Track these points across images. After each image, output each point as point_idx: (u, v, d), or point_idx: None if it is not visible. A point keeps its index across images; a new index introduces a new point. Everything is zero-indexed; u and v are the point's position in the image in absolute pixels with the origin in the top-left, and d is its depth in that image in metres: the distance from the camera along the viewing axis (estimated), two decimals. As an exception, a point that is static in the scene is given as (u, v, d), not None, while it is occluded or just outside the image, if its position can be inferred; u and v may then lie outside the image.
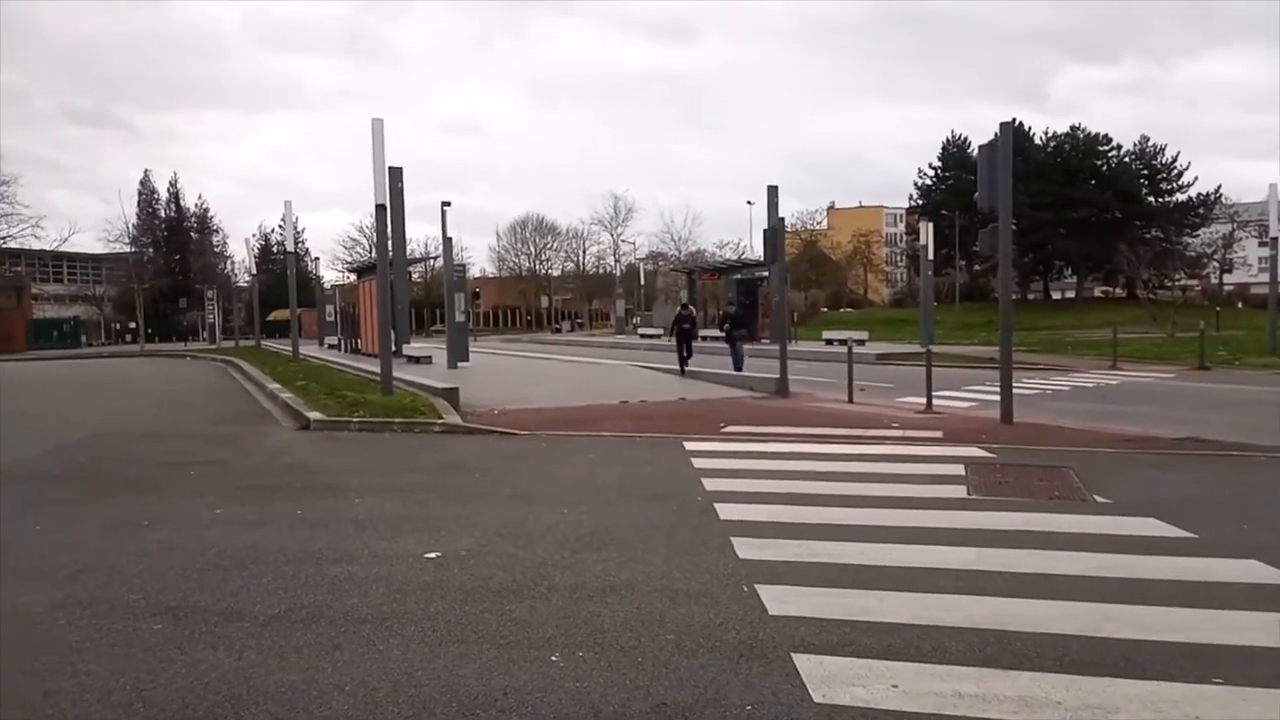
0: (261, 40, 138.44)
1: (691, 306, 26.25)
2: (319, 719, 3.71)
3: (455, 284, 28.01)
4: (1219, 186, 61.97)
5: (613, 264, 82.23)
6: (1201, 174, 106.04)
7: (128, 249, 65.57)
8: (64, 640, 4.67)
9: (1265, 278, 33.00)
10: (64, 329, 62.35)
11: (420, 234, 79.03)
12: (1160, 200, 62.67)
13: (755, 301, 37.18)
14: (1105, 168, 62.15)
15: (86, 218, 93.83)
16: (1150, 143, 62.58)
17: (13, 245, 57.52)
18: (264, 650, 4.47)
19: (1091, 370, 22.95)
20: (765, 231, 17.71)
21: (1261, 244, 70.94)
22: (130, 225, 66.16)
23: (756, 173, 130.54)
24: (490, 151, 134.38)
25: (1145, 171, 62.44)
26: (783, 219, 18.06)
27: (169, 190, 77.14)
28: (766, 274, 33.04)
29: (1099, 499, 7.63)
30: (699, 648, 4.39)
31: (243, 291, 64.75)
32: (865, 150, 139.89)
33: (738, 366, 21.00)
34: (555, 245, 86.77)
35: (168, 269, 72.58)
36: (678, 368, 21.47)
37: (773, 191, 17.52)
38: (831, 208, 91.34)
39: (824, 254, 77.34)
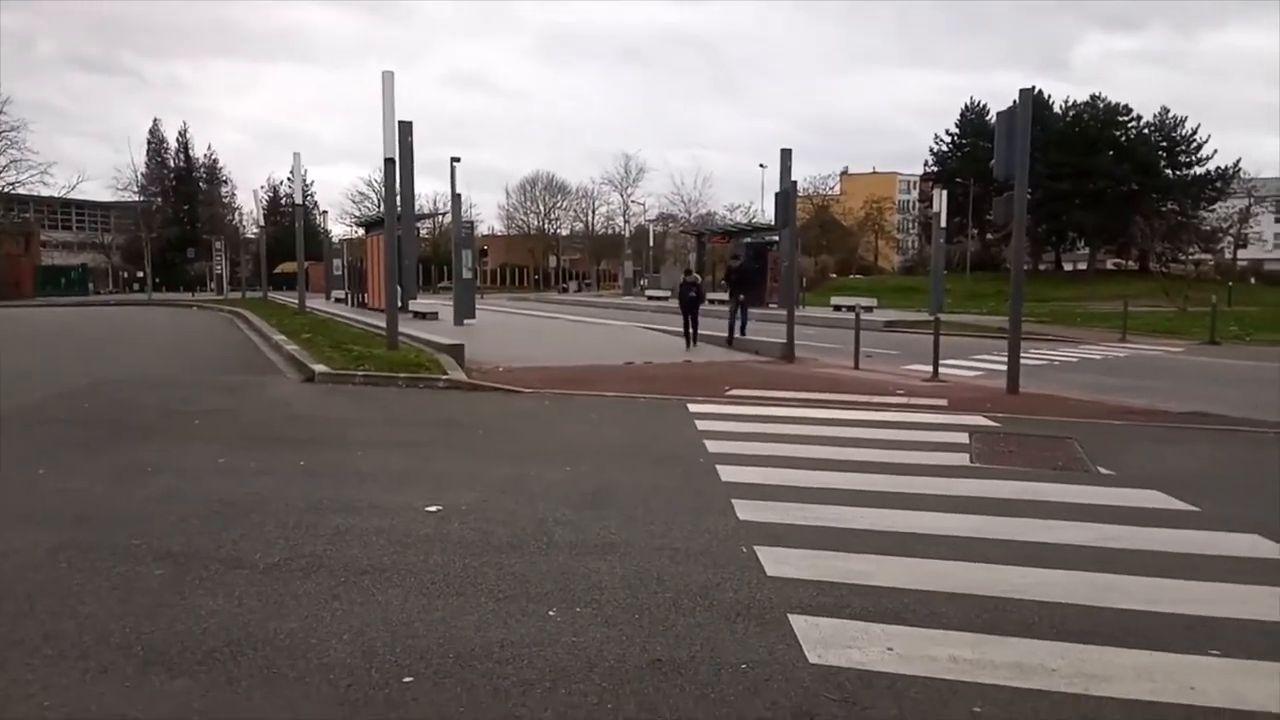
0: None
1: (697, 274, 22.82)
2: (316, 666, 3.73)
3: (463, 241, 27.93)
4: (1238, 160, 61.22)
5: (622, 225, 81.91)
6: (1222, 147, 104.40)
7: (136, 198, 65.47)
8: (65, 583, 4.69)
9: (1280, 254, 32.67)
10: (71, 276, 62.46)
11: (429, 190, 79.00)
12: (1178, 173, 61.87)
13: (765, 266, 36.97)
14: (1124, 139, 61.33)
15: (96, 166, 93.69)
16: (1170, 114, 61.71)
17: (21, 191, 57.47)
18: (263, 597, 4.50)
19: (1100, 342, 22.85)
20: (777, 195, 17.53)
21: (1278, 220, 70.37)
22: (139, 174, 66.04)
23: (770, 136, 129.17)
24: (501, 108, 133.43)
25: (1164, 143, 61.59)
26: (795, 183, 17.85)
27: (178, 140, 77.07)
28: (776, 238, 32.86)
29: (1102, 470, 7.61)
30: (696, 606, 4.40)
31: (250, 243, 64.77)
32: (881, 116, 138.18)
33: (739, 331, 18.84)
34: (564, 204, 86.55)
35: (176, 218, 72.49)
36: (683, 340, 18.96)
37: (786, 155, 17.32)
38: (845, 173, 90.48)
39: (835, 220, 76.83)
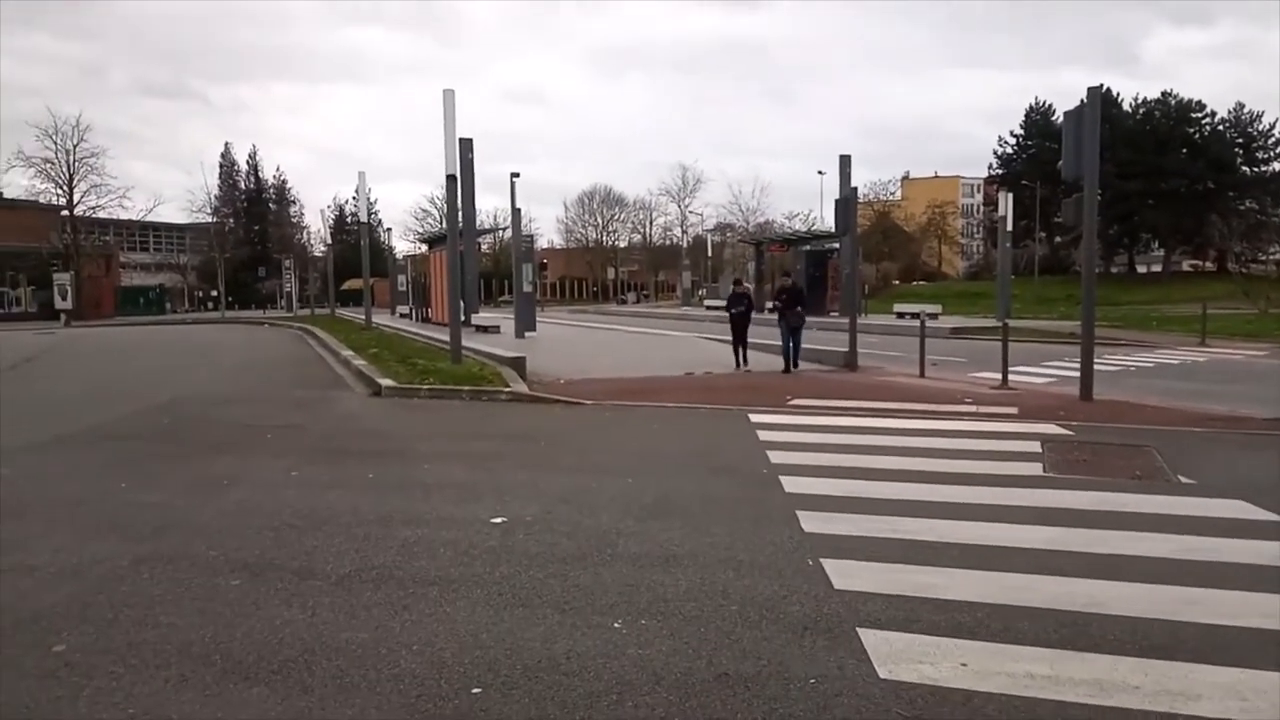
0: (327, 11, 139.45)
1: (749, 285, 19.76)
2: (387, 677, 3.79)
3: (523, 255, 28.25)
4: (1322, 156, 58.72)
5: (679, 235, 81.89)
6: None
7: (210, 219, 67.70)
8: (147, 593, 4.85)
9: (1370, 251, 31.23)
10: (150, 296, 64.80)
11: (489, 205, 79.74)
12: (1256, 170, 59.61)
13: (825, 274, 36.63)
14: (1198, 136, 59.22)
15: (168, 189, 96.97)
16: (1246, 109, 59.60)
17: (102, 215, 59.86)
18: (335, 608, 4.59)
19: (1178, 347, 22.09)
20: (837, 202, 17.38)
21: (1366, 216, 67.05)
22: (212, 196, 68.32)
23: (828, 142, 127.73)
24: (556, 122, 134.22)
25: (1240, 139, 59.41)
26: (855, 189, 17.68)
27: (248, 162, 79.61)
28: (837, 246, 32.51)
29: (1183, 480, 7.34)
30: (763, 619, 4.36)
31: (318, 261, 66.39)
32: (943, 118, 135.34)
33: (790, 362, 15.94)
34: (622, 216, 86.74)
35: (247, 239, 74.82)
36: (733, 360, 16.62)
37: (845, 161, 17.18)
38: (906, 178, 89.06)
39: (897, 225, 75.60)
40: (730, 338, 16.91)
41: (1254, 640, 4.04)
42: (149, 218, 64.46)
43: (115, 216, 61.19)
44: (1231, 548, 5.42)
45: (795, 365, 15.98)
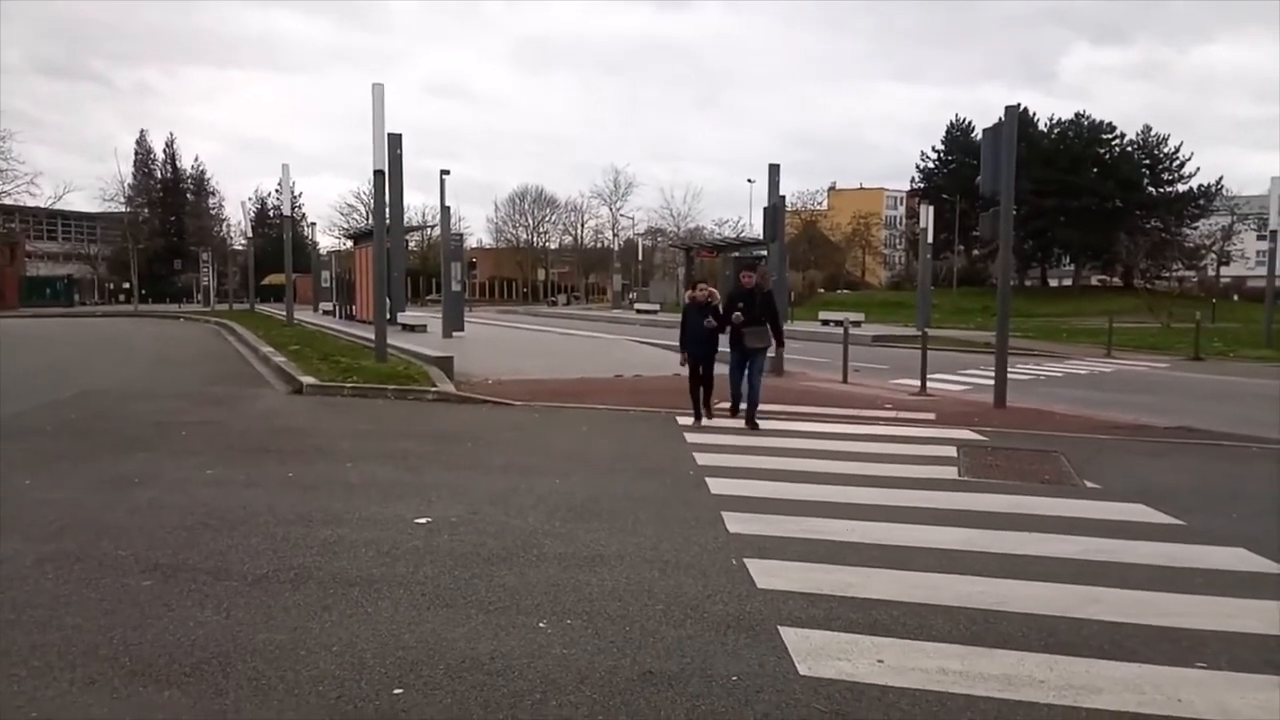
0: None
1: (713, 288, 11.98)
2: (305, 678, 3.71)
3: (452, 253, 27.90)
4: (1220, 178, 62.29)
5: (611, 238, 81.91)
6: (1206, 163, 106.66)
7: (123, 209, 65.11)
8: (51, 594, 4.66)
9: (1262, 271, 33.18)
10: (57, 287, 61.98)
11: (417, 202, 78.42)
12: (1161, 190, 62.76)
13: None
14: (1108, 156, 62.08)
15: (72, 175, 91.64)
16: (1153, 132, 62.69)
17: (7, 202, 57.11)
18: (252, 609, 4.48)
19: (1086, 358, 23.00)
20: (765, 210, 17.64)
21: (1260, 237, 70.97)
22: (126, 185, 65.67)
23: (758, 150, 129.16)
24: (487, 121, 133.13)
25: (1147, 161, 62.43)
26: (783, 197, 17.97)
27: (165, 151, 76.73)
28: (765, 253, 32.93)
29: (1089, 484, 7.66)
30: (687, 618, 4.41)
31: (237, 254, 64.50)
32: (868, 130, 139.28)
33: (750, 398, 10.63)
34: (553, 218, 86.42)
35: (163, 230, 72.05)
36: (692, 409, 10.92)
37: (774, 170, 17.44)
38: (832, 188, 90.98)
39: (823, 235, 77.08)
40: (689, 365, 10.99)
41: (1151, 637, 4.24)
42: (58, 205, 61.70)
43: (21, 203, 58.45)
44: (1132, 549, 5.68)
45: (753, 423, 10.48)
